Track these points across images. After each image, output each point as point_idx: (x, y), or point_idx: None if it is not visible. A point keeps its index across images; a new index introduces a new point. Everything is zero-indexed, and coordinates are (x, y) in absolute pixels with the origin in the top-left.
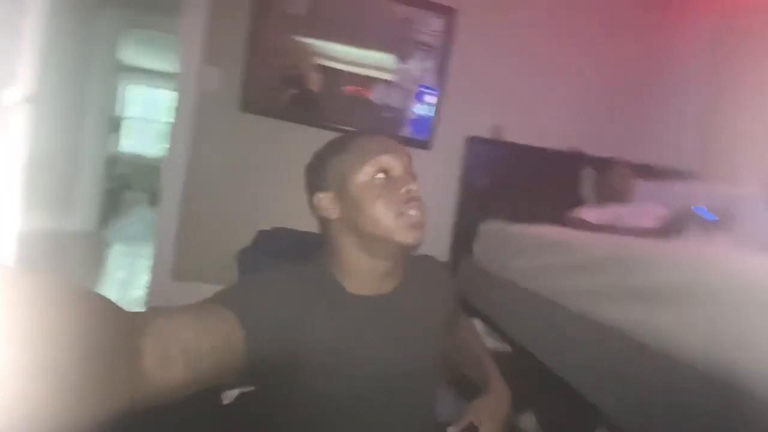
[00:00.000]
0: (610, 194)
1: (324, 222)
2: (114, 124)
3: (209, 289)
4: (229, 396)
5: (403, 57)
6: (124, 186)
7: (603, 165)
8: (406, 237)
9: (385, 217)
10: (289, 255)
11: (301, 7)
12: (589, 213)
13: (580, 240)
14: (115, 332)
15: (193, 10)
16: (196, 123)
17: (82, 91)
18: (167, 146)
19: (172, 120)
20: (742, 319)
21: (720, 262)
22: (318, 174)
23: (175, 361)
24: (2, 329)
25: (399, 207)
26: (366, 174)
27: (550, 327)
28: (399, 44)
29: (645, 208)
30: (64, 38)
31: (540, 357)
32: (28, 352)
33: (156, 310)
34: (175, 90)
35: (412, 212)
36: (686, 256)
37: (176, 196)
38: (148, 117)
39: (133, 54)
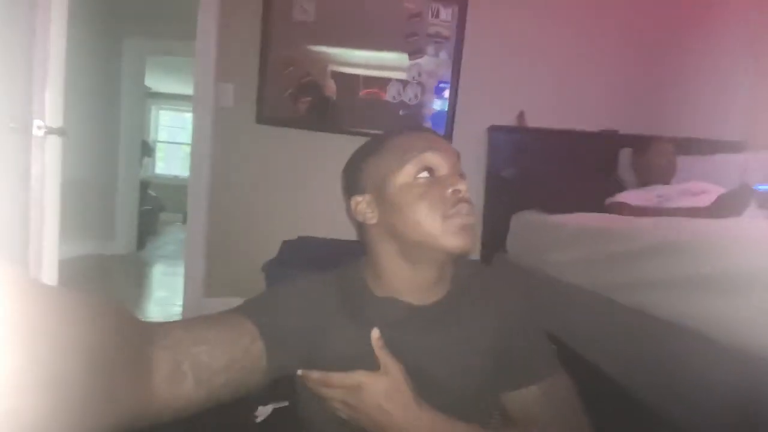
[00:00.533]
0: (651, 174)
1: (362, 227)
2: (146, 149)
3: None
4: (263, 413)
5: (415, 52)
6: (158, 208)
7: (641, 143)
8: (453, 242)
9: (429, 220)
10: (313, 263)
11: (308, 13)
12: (631, 196)
13: (624, 226)
14: (126, 342)
15: (205, 31)
16: (214, 140)
17: (114, 118)
18: (190, 166)
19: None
20: None
21: None
22: (355, 176)
23: (185, 376)
24: (12, 338)
25: (445, 209)
26: (407, 174)
27: (598, 322)
28: (411, 40)
29: (693, 185)
30: (91, 68)
31: (590, 357)
32: (34, 359)
33: (175, 322)
34: (192, 111)
35: (463, 218)
36: (751, 238)
37: (202, 214)
38: (177, 140)
39: (158, 80)
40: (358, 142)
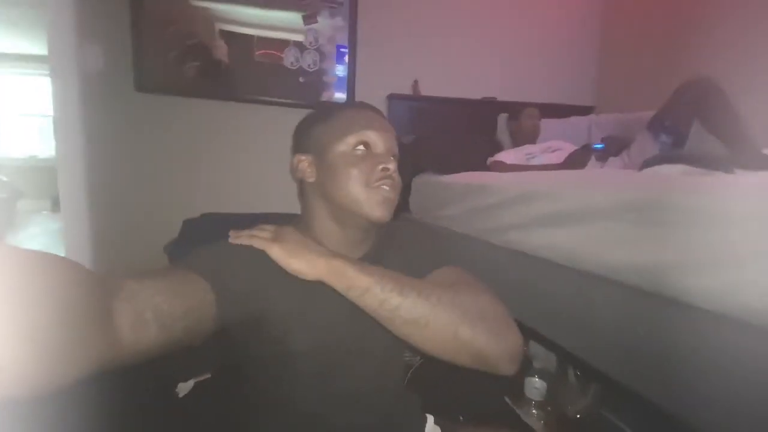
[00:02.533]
0: (522, 136)
1: (301, 185)
2: None
3: None
4: (185, 388)
5: (310, 16)
6: (14, 195)
7: (514, 109)
8: (373, 211)
9: (355, 187)
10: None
11: None
12: (506, 155)
13: (496, 181)
14: (88, 296)
15: None
16: (83, 111)
17: None
18: (55, 143)
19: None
20: (620, 228)
21: (597, 184)
22: (302, 136)
23: (148, 324)
24: None
25: (370, 181)
26: (347, 144)
27: (481, 262)
28: (304, 3)
29: (552, 143)
30: None
31: None
32: (9, 318)
33: (128, 276)
34: (50, 76)
35: (381, 189)
36: (584, 181)
37: (81, 198)
38: (28, 111)
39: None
40: (257, 110)
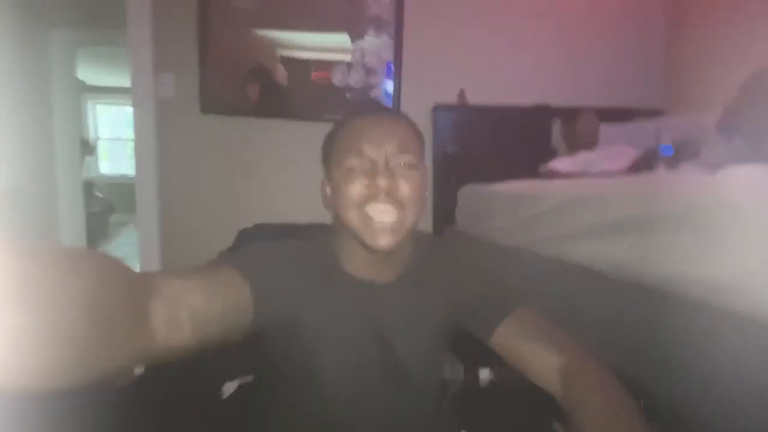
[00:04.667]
0: (578, 142)
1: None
2: (87, 148)
3: None
4: (229, 389)
5: (357, 35)
6: (107, 209)
7: (568, 114)
8: (372, 240)
9: (349, 213)
10: None
11: (246, 1)
12: (561, 163)
13: (548, 188)
14: (125, 294)
15: (139, 19)
16: (158, 134)
17: (46, 117)
18: (135, 164)
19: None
20: (687, 236)
21: (665, 190)
22: (323, 159)
23: (183, 324)
24: (14, 296)
25: (361, 204)
26: (342, 165)
27: (529, 276)
28: (352, 22)
29: (614, 150)
30: (16, 65)
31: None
32: (39, 317)
33: (167, 273)
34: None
35: (378, 216)
36: (636, 189)
37: (153, 213)
38: (121, 136)
39: (93, 73)
40: (311, 127)
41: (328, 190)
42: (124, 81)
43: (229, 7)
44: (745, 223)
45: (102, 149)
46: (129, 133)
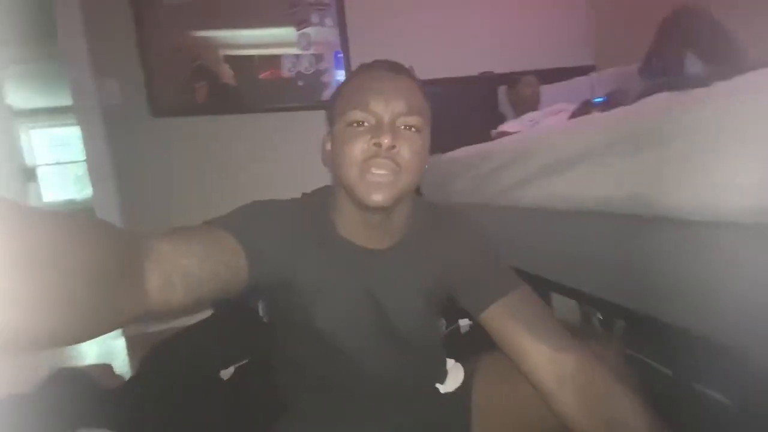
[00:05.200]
0: (523, 105)
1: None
2: (29, 174)
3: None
4: (227, 373)
5: (301, 23)
6: None
7: (512, 80)
8: (366, 196)
9: (346, 169)
10: None
11: None
12: (509, 125)
13: (495, 146)
14: (120, 257)
15: (70, 27)
16: (110, 145)
17: None
18: (90, 181)
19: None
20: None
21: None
22: (327, 114)
23: (176, 286)
24: (13, 260)
25: (362, 161)
26: (346, 119)
27: (493, 226)
28: (293, 11)
29: (554, 107)
30: None
31: None
32: (38, 280)
33: (160, 235)
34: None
35: (375, 170)
36: (567, 131)
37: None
38: (64, 159)
39: (24, 97)
40: (267, 119)
41: (328, 146)
42: (58, 100)
43: (162, 5)
44: (660, 143)
45: (43, 176)
46: (70, 155)
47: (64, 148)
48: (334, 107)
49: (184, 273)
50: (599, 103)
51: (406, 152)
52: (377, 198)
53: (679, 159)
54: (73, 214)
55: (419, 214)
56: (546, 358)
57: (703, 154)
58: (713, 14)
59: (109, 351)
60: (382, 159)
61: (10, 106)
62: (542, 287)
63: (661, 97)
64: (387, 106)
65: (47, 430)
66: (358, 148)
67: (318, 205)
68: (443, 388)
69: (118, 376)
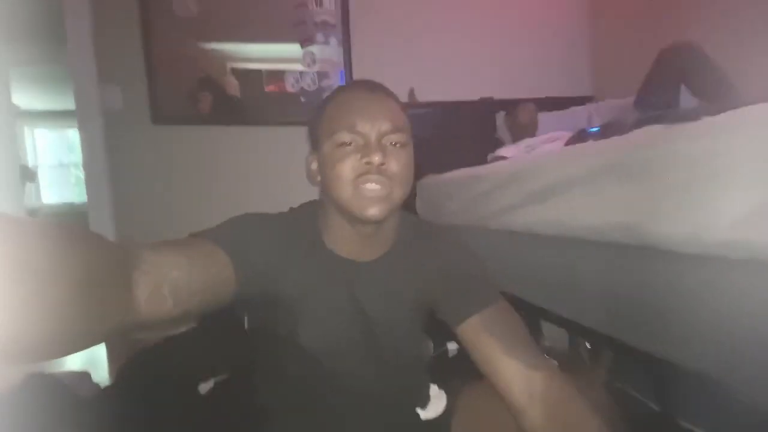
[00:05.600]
0: (520, 131)
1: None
2: (27, 174)
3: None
4: (205, 387)
5: (306, 40)
6: None
7: (511, 106)
8: (362, 211)
9: (340, 185)
10: None
11: (190, 9)
12: (506, 150)
13: (488, 169)
14: (109, 268)
15: (79, 31)
16: (107, 150)
17: None
18: (86, 186)
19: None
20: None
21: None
22: (310, 134)
23: (165, 297)
24: (10, 274)
25: (354, 179)
26: (334, 140)
27: (483, 249)
28: (299, 30)
29: (552, 134)
30: None
31: None
32: (27, 290)
33: (149, 246)
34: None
35: (369, 186)
36: (560, 157)
37: (109, 234)
38: (65, 161)
39: (30, 98)
40: (268, 131)
41: (314, 165)
42: (63, 104)
43: (172, 17)
44: (650, 173)
45: (44, 177)
46: (72, 158)
47: (67, 150)
48: (318, 128)
49: (173, 284)
50: (594, 133)
51: (395, 166)
52: (373, 212)
53: (670, 190)
54: (61, 224)
55: (404, 228)
56: (518, 375)
57: (694, 186)
58: (707, 52)
59: (90, 358)
60: (373, 175)
61: (16, 105)
62: (531, 314)
63: (654, 129)
64: (373, 126)
65: None
66: (349, 166)
67: (305, 219)
68: (424, 414)
69: (95, 385)
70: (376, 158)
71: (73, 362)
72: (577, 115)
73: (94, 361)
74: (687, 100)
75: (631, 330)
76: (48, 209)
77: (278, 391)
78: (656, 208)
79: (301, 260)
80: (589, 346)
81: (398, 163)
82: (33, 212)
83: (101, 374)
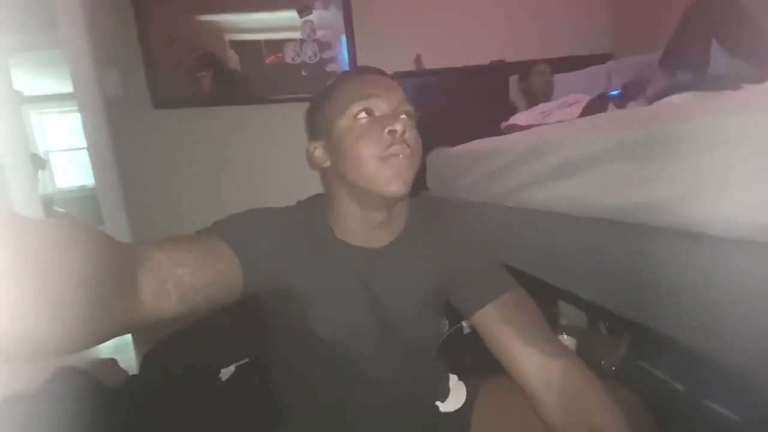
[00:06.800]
0: (535, 95)
1: (322, 172)
2: (38, 162)
3: None
4: (227, 372)
5: (304, 9)
6: None
7: (525, 69)
8: (387, 188)
9: (365, 162)
10: None
11: None
12: (520, 117)
13: (505, 142)
14: (113, 265)
15: (70, 15)
16: (111, 136)
17: None
18: (92, 170)
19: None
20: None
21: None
22: (310, 123)
23: (170, 295)
24: (7, 270)
25: (380, 151)
26: (348, 117)
27: (499, 228)
28: None
29: (568, 99)
30: None
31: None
32: (32, 289)
33: (154, 244)
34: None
35: (398, 158)
36: (577, 131)
37: (121, 220)
38: (74, 146)
39: (33, 82)
40: (271, 110)
41: (317, 152)
42: (68, 86)
43: None
44: (677, 146)
45: (56, 162)
46: (83, 141)
47: (77, 134)
48: (323, 112)
49: (178, 282)
50: (614, 96)
51: (412, 137)
52: (396, 186)
53: (703, 168)
54: (66, 223)
55: (412, 212)
56: (535, 363)
57: (727, 165)
58: (743, 3)
59: (117, 344)
60: (399, 146)
61: (19, 92)
62: (550, 294)
63: (685, 98)
64: (387, 97)
65: (48, 429)
66: (374, 139)
67: (314, 211)
68: (443, 407)
69: (122, 372)
70: (400, 126)
71: (104, 347)
72: (596, 75)
73: (121, 348)
74: (718, 58)
75: (655, 315)
76: (62, 194)
77: (293, 384)
78: (688, 187)
79: (311, 252)
80: (607, 326)
81: (413, 134)
82: (47, 198)
83: (128, 360)
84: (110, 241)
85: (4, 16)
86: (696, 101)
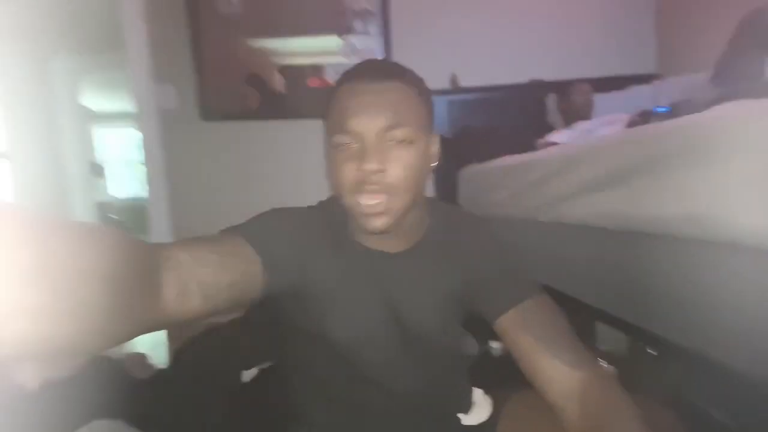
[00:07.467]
0: (574, 114)
1: None
2: (96, 170)
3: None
4: (249, 374)
5: (345, 32)
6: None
7: (563, 88)
8: (362, 223)
9: (344, 194)
10: None
11: (234, 5)
12: (558, 135)
13: (539, 156)
14: (137, 266)
15: (135, 37)
16: (164, 148)
17: (55, 142)
18: (147, 181)
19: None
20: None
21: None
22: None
23: (193, 294)
24: (31, 272)
25: (352, 188)
26: (334, 140)
27: (532, 243)
28: (339, 21)
29: (610, 117)
30: (23, 91)
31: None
32: (56, 291)
33: (177, 244)
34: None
35: (365, 201)
36: (618, 141)
37: (166, 229)
38: (129, 159)
39: (99, 100)
40: (313, 124)
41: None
42: (127, 105)
43: (217, 15)
44: (730, 157)
45: (112, 173)
46: (137, 155)
47: (131, 148)
48: (326, 119)
49: (201, 281)
50: (662, 113)
51: (397, 171)
52: (375, 224)
53: (753, 177)
54: (88, 224)
55: (436, 217)
56: (557, 373)
57: None
58: None
59: (152, 339)
60: (370, 186)
61: (87, 108)
62: (585, 315)
63: (736, 105)
64: (369, 124)
65: (70, 418)
66: (346, 173)
67: (334, 212)
68: (466, 420)
69: (150, 366)
70: (369, 166)
71: (141, 343)
72: (639, 95)
73: (155, 343)
74: None
75: (706, 339)
76: (116, 203)
77: (310, 386)
78: (733, 196)
79: (330, 253)
80: (654, 353)
81: (401, 166)
82: (102, 206)
83: (161, 356)
84: (133, 242)
85: (78, 39)
86: (748, 106)
